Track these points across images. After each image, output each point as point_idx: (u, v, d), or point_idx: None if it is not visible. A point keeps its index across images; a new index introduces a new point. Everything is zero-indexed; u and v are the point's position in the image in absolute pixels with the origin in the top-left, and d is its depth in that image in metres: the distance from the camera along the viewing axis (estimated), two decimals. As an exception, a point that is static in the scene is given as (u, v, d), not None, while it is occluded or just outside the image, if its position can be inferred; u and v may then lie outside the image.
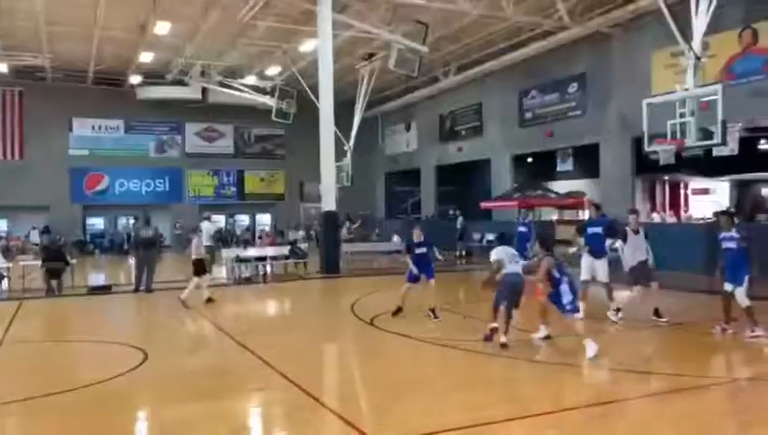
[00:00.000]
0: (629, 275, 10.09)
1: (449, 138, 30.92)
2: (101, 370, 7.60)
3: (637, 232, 9.98)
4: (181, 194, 34.07)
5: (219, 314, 12.49)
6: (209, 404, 6.32)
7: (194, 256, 13.07)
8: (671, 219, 26.16)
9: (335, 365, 8.79)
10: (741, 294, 8.78)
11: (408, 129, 34.67)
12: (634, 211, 10.60)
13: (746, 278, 8.74)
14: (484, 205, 26.47)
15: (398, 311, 10.66)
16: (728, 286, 8.92)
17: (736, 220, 9.62)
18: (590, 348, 7.65)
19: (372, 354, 8.79)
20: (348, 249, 19.77)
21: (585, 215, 27.93)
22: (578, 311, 8.69)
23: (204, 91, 30.37)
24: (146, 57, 25.89)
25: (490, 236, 23.60)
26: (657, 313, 9.92)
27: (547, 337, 8.72)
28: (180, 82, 29.41)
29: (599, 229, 10.36)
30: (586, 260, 10.38)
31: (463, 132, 29.92)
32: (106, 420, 5.95)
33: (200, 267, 12.93)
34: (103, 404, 6.39)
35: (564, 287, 8.03)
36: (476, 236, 24.60)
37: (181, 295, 12.65)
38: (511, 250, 8.89)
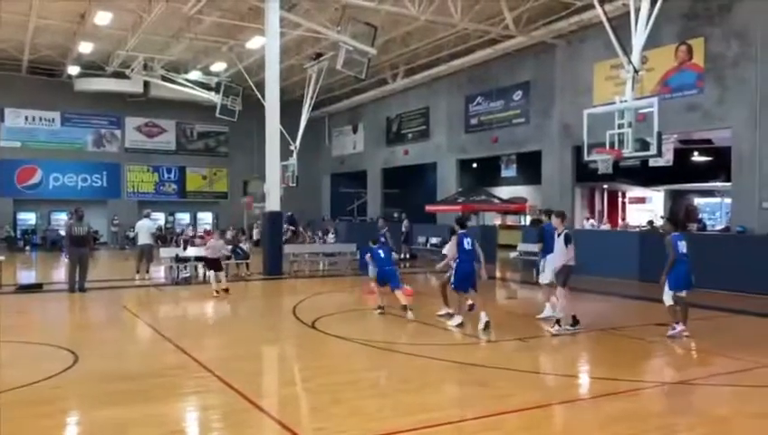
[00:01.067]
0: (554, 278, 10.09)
1: (396, 141, 31.05)
2: (28, 372, 7.24)
3: (558, 235, 10.07)
4: (119, 190, 33.04)
5: (155, 316, 12.16)
6: (142, 407, 6.10)
7: (211, 255, 14.29)
8: (604, 226, 27.04)
9: (274, 368, 8.65)
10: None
11: (355, 130, 34.65)
12: (549, 213, 10.82)
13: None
14: (429, 208, 26.67)
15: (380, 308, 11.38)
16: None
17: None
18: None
19: (312, 357, 8.69)
20: (291, 250, 19.51)
21: (527, 220, 28.61)
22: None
23: (146, 84, 29.61)
24: (85, 48, 25.00)
25: (434, 240, 23.78)
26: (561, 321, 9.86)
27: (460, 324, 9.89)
28: (121, 75, 28.52)
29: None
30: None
31: (410, 135, 30.10)
32: (33, 423, 5.66)
33: (218, 264, 14.29)
34: (30, 408, 6.08)
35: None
36: (421, 239, 24.74)
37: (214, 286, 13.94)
38: None
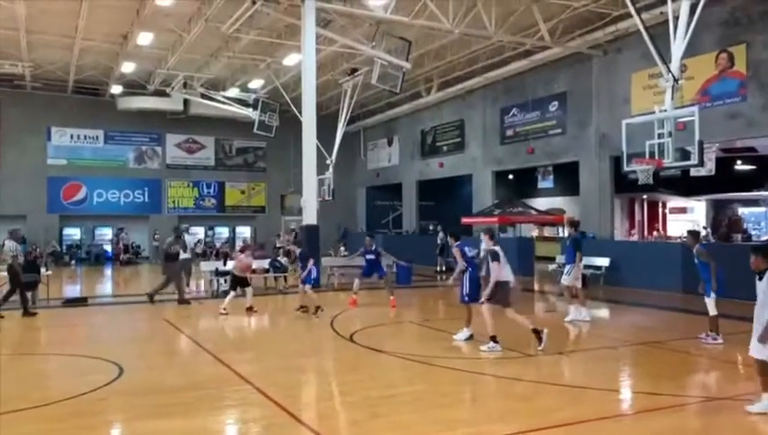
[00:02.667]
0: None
1: (431, 153, 31.07)
2: (75, 384, 7.45)
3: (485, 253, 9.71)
4: (160, 205, 33.75)
5: (196, 329, 12.36)
6: (185, 420, 6.22)
7: (239, 273, 13.76)
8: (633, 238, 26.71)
9: (313, 381, 8.70)
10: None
11: (390, 143, 34.79)
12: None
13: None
14: (465, 220, 26.56)
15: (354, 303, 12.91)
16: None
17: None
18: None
19: (351, 370, 8.72)
20: (329, 263, 19.63)
21: (565, 232, 28.25)
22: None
23: (185, 102, 30.24)
24: (127, 67, 25.72)
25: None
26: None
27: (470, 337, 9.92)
28: (162, 93, 29.26)
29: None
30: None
31: (445, 148, 30.09)
32: (78, 436, 5.82)
33: (244, 281, 13.79)
34: (77, 419, 6.25)
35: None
36: (457, 251, 24.60)
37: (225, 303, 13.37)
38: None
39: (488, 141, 26.95)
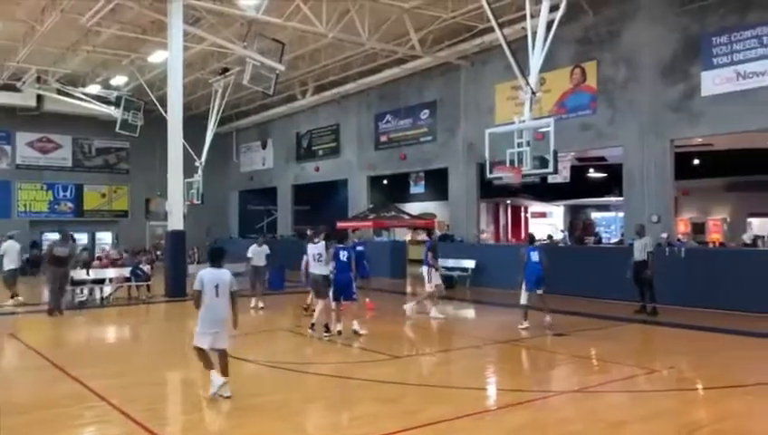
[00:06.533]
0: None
1: (307, 157, 30.88)
2: None
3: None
4: (9, 209, 30.86)
5: (45, 342, 11.39)
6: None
7: None
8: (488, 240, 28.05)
9: (177, 394, 8.30)
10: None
11: (264, 146, 34.18)
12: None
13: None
14: (340, 224, 26.64)
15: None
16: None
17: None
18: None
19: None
20: (195, 270, 18.82)
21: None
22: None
23: (39, 98, 27.93)
24: (-33, 57, 23.34)
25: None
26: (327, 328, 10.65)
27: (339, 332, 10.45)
28: (11, 88, 26.78)
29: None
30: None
31: (320, 152, 30.02)
32: None
33: None
34: None
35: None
36: (331, 255, 24.62)
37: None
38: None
39: (363, 146, 27.23)
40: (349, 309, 10.80)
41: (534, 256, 11.67)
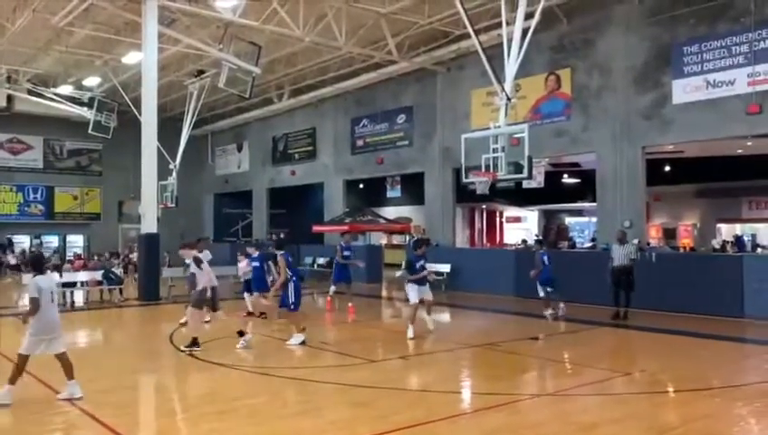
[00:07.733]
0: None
1: (283, 160, 30.76)
2: None
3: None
4: (-23, 211, 30.26)
5: (14, 347, 11.14)
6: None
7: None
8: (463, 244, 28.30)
9: (150, 399, 8.19)
10: None
11: (239, 149, 33.96)
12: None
13: None
14: (316, 229, 26.60)
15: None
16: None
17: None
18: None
19: (191, 386, 8.34)
20: (169, 274, 18.58)
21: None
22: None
23: (9, 98, 27.42)
24: (-63, 56, 22.84)
25: (321, 260, 23.72)
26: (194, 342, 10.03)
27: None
28: (-21, 87, 26.29)
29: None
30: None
31: (296, 156, 29.92)
32: None
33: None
34: None
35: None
36: (308, 259, 24.58)
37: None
38: None
39: (339, 150, 27.22)
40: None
41: (546, 259, 13.13)
